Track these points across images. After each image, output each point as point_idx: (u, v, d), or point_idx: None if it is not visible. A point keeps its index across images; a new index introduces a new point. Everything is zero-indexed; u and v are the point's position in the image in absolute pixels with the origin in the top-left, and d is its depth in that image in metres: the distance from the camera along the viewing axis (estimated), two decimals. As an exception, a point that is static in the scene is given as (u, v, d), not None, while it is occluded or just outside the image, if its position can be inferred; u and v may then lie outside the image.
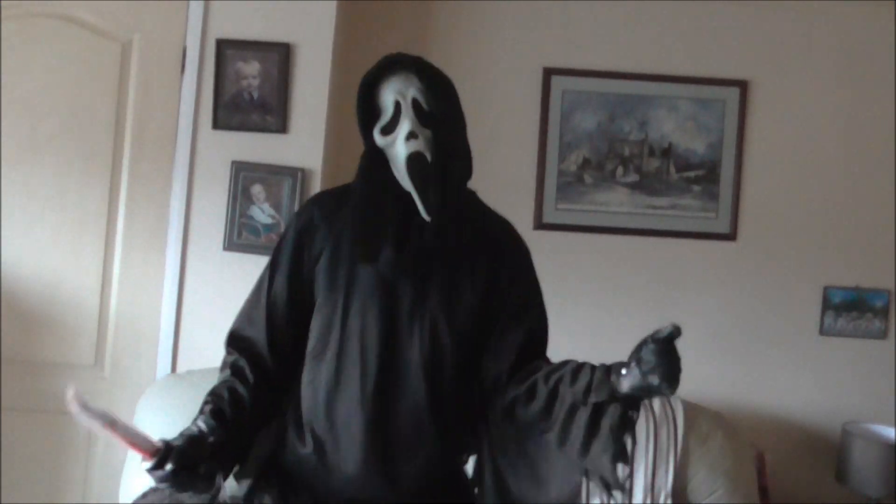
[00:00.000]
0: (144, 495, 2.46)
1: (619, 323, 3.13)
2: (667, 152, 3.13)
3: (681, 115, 3.12)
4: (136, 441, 1.42)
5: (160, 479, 1.41)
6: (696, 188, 3.13)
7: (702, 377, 3.13)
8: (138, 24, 2.75)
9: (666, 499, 2.70)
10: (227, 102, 2.76)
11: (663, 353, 1.35)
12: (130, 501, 2.46)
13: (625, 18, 3.13)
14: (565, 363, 1.58)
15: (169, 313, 2.77)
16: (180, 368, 2.78)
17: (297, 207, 2.75)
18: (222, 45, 2.75)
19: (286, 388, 1.63)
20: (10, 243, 2.72)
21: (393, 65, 1.53)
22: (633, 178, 3.13)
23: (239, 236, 2.77)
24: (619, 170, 3.13)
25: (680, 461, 2.74)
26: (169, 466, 1.39)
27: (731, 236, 3.13)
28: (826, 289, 3.12)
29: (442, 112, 1.52)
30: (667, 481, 2.71)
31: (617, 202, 3.12)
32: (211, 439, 1.48)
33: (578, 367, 1.54)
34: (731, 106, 3.12)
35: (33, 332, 2.75)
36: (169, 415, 2.57)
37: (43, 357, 2.75)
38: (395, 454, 1.53)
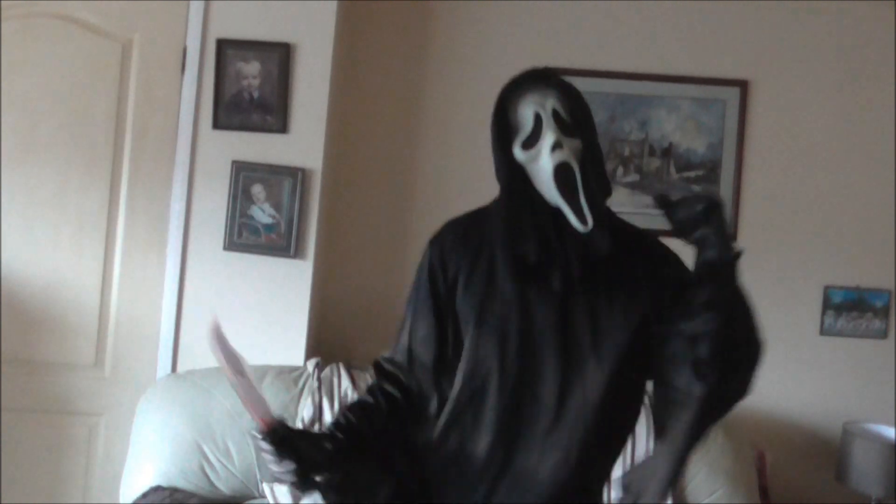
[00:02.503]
0: (144, 495, 2.47)
1: (619, 323, 3.13)
2: (667, 152, 3.13)
3: (681, 115, 3.12)
4: (254, 403, 1.38)
5: (264, 452, 1.37)
6: (697, 188, 3.12)
7: (702, 377, 3.13)
8: (138, 23, 2.75)
9: (666, 499, 2.69)
10: (228, 102, 2.76)
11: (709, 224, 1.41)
12: (130, 501, 2.48)
13: (625, 18, 3.13)
14: None
15: (169, 313, 2.77)
16: (180, 368, 2.78)
17: (297, 207, 2.75)
18: (223, 45, 2.75)
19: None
20: (10, 243, 2.72)
21: (526, 79, 1.52)
22: (633, 177, 3.13)
23: (239, 236, 2.77)
24: (620, 170, 3.13)
25: (680, 461, 2.74)
26: (270, 447, 1.36)
27: (731, 236, 3.13)
28: (826, 288, 3.12)
29: (582, 121, 1.49)
30: (667, 481, 2.71)
31: (617, 202, 3.07)
32: (328, 446, 1.42)
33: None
34: (732, 106, 3.12)
35: (33, 332, 2.75)
36: (169, 415, 2.58)
37: (43, 357, 2.75)
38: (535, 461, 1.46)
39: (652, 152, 3.13)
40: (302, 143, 2.79)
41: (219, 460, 2.54)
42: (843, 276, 3.12)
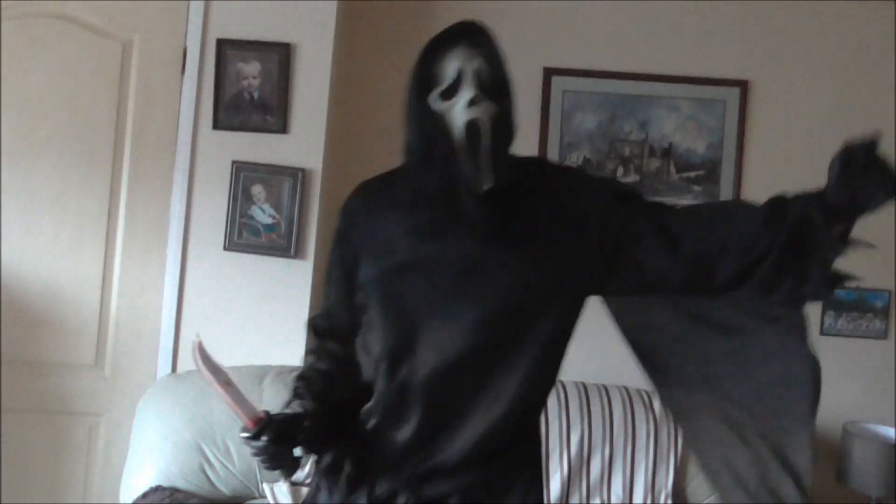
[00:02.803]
0: (145, 495, 2.47)
1: (619, 323, 3.13)
2: (667, 152, 3.13)
3: (681, 116, 3.12)
4: (243, 407, 1.42)
5: (255, 451, 1.39)
6: (697, 188, 3.13)
7: (702, 377, 3.13)
8: (139, 23, 2.75)
9: (666, 498, 2.70)
10: (228, 102, 2.76)
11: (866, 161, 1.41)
12: (130, 501, 2.48)
13: (625, 18, 3.13)
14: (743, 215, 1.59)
15: (169, 313, 2.77)
16: (180, 368, 2.78)
17: (297, 207, 2.75)
18: (223, 45, 2.75)
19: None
20: (10, 243, 2.72)
21: (457, 34, 1.53)
22: (633, 178, 3.13)
23: (239, 236, 2.77)
24: (620, 170, 3.13)
25: (680, 461, 2.74)
26: (264, 439, 1.37)
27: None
28: (826, 289, 3.12)
29: (502, 89, 1.52)
30: (667, 481, 2.71)
31: (617, 202, 3.12)
32: (307, 423, 1.44)
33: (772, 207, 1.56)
34: (732, 106, 3.12)
35: (33, 332, 2.75)
36: (169, 415, 2.58)
37: (43, 357, 2.75)
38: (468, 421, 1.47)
39: (652, 152, 3.13)
40: (302, 143, 2.79)
41: (219, 460, 2.54)
42: (843, 276, 3.12)
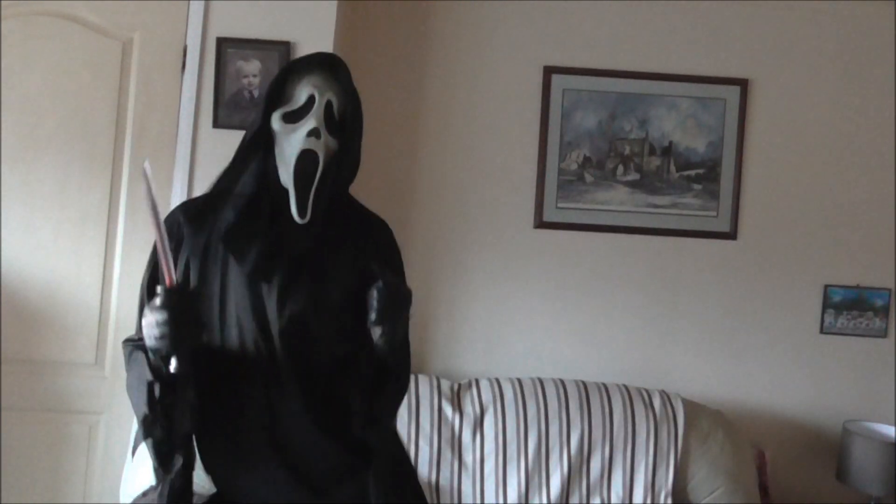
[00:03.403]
0: (144, 494, 2.47)
1: (619, 322, 3.13)
2: (667, 151, 3.13)
3: (681, 114, 3.13)
4: (167, 262, 1.40)
5: (167, 315, 1.36)
6: (697, 187, 3.13)
7: (702, 376, 3.13)
8: (139, 22, 2.75)
9: (666, 498, 2.70)
10: (228, 101, 2.76)
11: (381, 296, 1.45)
12: (130, 501, 2.48)
13: (625, 18, 3.13)
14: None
15: (169, 312, 2.76)
16: (181, 367, 2.78)
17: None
18: (223, 44, 2.74)
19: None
20: (10, 243, 2.71)
21: (323, 62, 1.52)
22: (633, 176, 3.13)
23: (239, 235, 2.76)
24: (620, 168, 3.13)
25: (680, 460, 2.74)
26: (167, 303, 1.36)
27: (731, 235, 3.13)
28: (826, 287, 3.12)
29: (354, 124, 1.54)
30: (667, 480, 2.71)
31: (617, 201, 3.13)
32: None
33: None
34: (732, 105, 3.12)
35: (33, 331, 2.74)
36: (169, 414, 2.57)
37: (43, 356, 2.75)
38: (297, 461, 1.51)
39: (652, 151, 3.13)
40: (302, 142, 2.78)
41: (219, 459, 2.54)
42: (843, 274, 3.13)
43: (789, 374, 3.14)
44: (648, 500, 2.69)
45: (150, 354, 1.42)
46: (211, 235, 1.53)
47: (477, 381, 2.88)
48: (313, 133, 1.46)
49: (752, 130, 3.14)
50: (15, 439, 2.71)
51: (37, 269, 2.73)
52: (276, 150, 1.51)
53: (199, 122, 2.76)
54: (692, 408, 2.86)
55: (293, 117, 1.49)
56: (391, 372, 1.56)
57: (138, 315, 1.59)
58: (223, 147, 2.76)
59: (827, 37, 3.14)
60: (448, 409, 2.77)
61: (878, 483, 2.82)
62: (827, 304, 3.12)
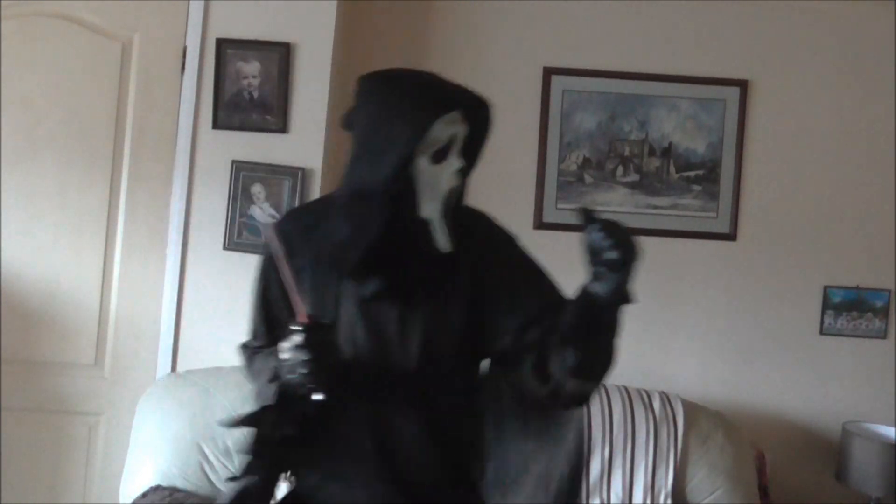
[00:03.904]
0: (144, 495, 2.47)
1: (619, 323, 3.13)
2: (667, 152, 3.13)
3: (681, 115, 3.12)
4: (297, 295, 1.41)
5: (302, 355, 1.34)
6: (697, 188, 3.13)
7: (702, 377, 3.13)
8: (138, 23, 2.75)
9: (666, 498, 2.70)
10: (228, 102, 2.76)
11: (607, 231, 1.42)
12: (130, 501, 2.48)
13: (625, 18, 3.13)
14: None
15: (169, 313, 2.76)
16: (180, 368, 2.78)
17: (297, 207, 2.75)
18: (222, 45, 2.75)
19: None
20: (10, 243, 2.72)
21: (472, 103, 1.51)
22: (633, 177, 3.13)
23: (239, 236, 2.77)
24: (620, 169, 3.13)
25: (680, 461, 2.74)
26: (313, 340, 1.35)
27: (731, 236, 3.13)
28: (826, 288, 3.12)
29: (478, 154, 1.55)
30: (667, 481, 2.71)
31: (617, 202, 3.12)
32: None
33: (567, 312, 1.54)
34: (732, 106, 3.12)
35: (33, 332, 2.75)
36: (169, 415, 2.58)
37: (43, 357, 2.75)
38: (405, 478, 1.50)
39: (652, 152, 3.13)
40: (302, 143, 2.79)
41: (219, 460, 2.54)
42: (843, 275, 3.13)
43: (789, 375, 3.14)
44: (648, 501, 2.68)
45: (288, 385, 1.41)
46: (323, 246, 1.50)
47: (476, 382, 2.87)
48: (461, 172, 1.49)
49: (752, 131, 3.14)
50: (15, 439, 2.72)
51: (37, 270, 2.74)
52: (420, 187, 1.48)
53: (199, 122, 2.77)
54: (692, 409, 2.85)
55: (440, 156, 1.47)
56: (608, 332, 1.49)
57: (255, 319, 1.62)
58: (223, 148, 2.78)
59: (827, 37, 3.13)
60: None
61: (877, 484, 2.81)
62: (827, 306, 3.12)
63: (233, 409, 2.51)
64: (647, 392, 2.86)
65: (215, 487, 2.53)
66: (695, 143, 3.13)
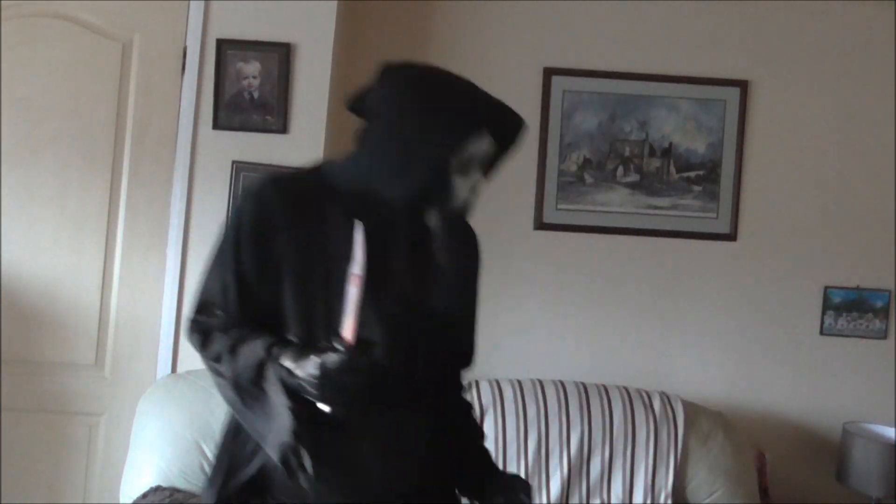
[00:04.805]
0: (144, 495, 2.47)
1: (619, 323, 3.13)
2: (667, 152, 3.13)
3: (681, 116, 3.12)
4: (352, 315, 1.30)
5: (350, 375, 1.26)
6: (697, 188, 3.13)
7: (702, 377, 3.13)
8: (139, 23, 2.75)
9: (666, 499, 2.70)
10: (228, 102, 2.76)
11: None
12: (130, 501, 2.48)
13: (625, 18, 3.13)
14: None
15: (169, 313, 2.76)
16: (180, 368, 2.78)
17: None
18: (223, 45, 2.74)
19: None
20: (10, 243, 2.72)
21: (509, 123, 1.52)
22: (633, 178, 3.13)
23: (239, 236, 2.76)
24: (620, 170, 3.13)
25: (680, 461, 2.74)
26: (364, 362, 1.28)
27: (731, 236, 3.13)
28: (827, 289, 3.12)
29: (495, 168, 1.56)
30: (667, 481, 2.71)
31: (617, 202, 3.12)
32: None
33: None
34: (732, 106, 3.12)
35: (33, 332, 2.75)
36: (169, 415, 2.58)
37: (43, 357, 2.75)
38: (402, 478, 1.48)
39: (652, 152, 3.13)
40: (302, 143, 2.79)
41: (219, 460, 2.54)
42: (844, 276, 3.13)
43: (789, 376, 3.14)
44: (648, 501, 2.68)
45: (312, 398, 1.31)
46: (319, 229, 1.41)
47: (477, 383, 2.87)
48: (477, 188, 1.48)
49: (752, 132, 3.14)
50: (15, 440, 2.71)
51: (37, 270, 2.74)
52: (438, 185, 1.44)
53: (199, 123, 2.76)
54: (692, 409, 2.85)
55: (464, 169, 1.43)
56: None
57: (220, 282, 1.43)
58: (223, 148, 2.78)
59: (827, 37, 3.13)
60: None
61: (878, 484, 2.81)
62: (827, 306, 3.12)
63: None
64: (647, 392, 2.86)
65: (215, 488, 2.53)
66: (695, 144, 3.13)
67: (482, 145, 1.44)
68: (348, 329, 1.28)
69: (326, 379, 1.26)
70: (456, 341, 1.60)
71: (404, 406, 1.47)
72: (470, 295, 1.62)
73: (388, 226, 1.41)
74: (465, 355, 1.65)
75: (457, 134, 1.38)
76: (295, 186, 1.46)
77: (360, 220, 1.38)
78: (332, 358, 1.26)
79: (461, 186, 1.44)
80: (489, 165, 1.51)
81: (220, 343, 1.40)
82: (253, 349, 1.36)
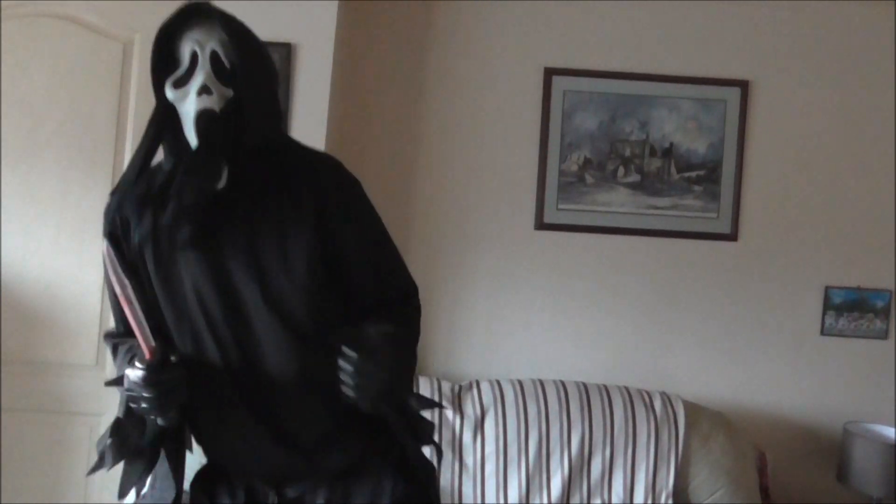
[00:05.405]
0: (144, 496, 2.46)
1: (620, 324, 3.13)
2: (668, 152, 3.13)
3: (682, 116, 3.12)
4: (142, 331, 1.30)
5: (150, 390, 1.29)
6: (698, 188, 3.13)
7: (703, 377, 3.13)
8: (139, 23, 2.75)
9: (667, 499, 2.70)
10: (228, 102, 2.75)
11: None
12: (130, 502, 2.47)
13: (625, 18, 3.13)
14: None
15: (169, 313, 2.76)
16: (181, 369, 2.78)
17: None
18: (223, 45, 2.74)
19: None
20: (10, 243, 2.72)
21: (195, 14, 1.39)
22: (634, 178, 3.13)
23: (240, 236, 2.76)
24: (621, 170, 3.13)
25: (681, 461, 2.74)
26: (152, 375, 1.29)
27: (732, 236, 3.13)
28: (827, 289, 3.12)
29: (245, 69, 1.37)
30: (668, 481, 2.71)
31: (618, 202, 3.12)
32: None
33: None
34: (732, 106, 3.12)
35: (34, 332, 2.74)
36: (170, 415, 2.57)
37: (43, 357, 2.75)
38: (280, 416, 1.44)
39: (653, 153, 3.13)
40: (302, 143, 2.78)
41: (219, 460, 2.54)
42: (844, 276, 3.13)
43: (790, 376, 3.14)
44: (649, 502, 2.68)
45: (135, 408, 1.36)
46: (156, 222, 1.40)
47: (477, 383, 2.87)
48: (203, 90, 1.34)
49: (753, 132, 3.14)
50: (15, 440, 2.71)
51: (37, 270, 2.73)
52: (182, 122, 1.39)
53: (200, 123, 2.76)
54: (693, 409, 2.85)
55: (183, 80, 1.38)
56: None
57: (115, 314, 1.54)
58: (224, 148, 2.77)
59: (827, 37, 3.14)
60: (449, 411, 2.77)
61: (878, 484, 2.81)
62: (828, 306, 3.12)
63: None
64: (648, 392, 2.86)
65: (216, 488, 2.52)
66: (696, 144, 3.13)
67: (182, 52, 1.37)
68: (143, 345, 1.31)
69: (129, 392, 1.33)
70: (359, 290, 1.47)
71: (273, 394, 1.42)
72: (349, 237, 1.45)
73: (176, 217, 1.35)
74: (385, 297, 1.50)
75: (152, 70, 1.39)
76: (131, 191, 1.45)
77: (140, 222, 1.40)
78: (134, 374, 1.31)
79: (189, 100, 1.36)
80: (225, 67, 1.37)
81: (109, 347, 1.55)
82: (121, 361, 1.48)
